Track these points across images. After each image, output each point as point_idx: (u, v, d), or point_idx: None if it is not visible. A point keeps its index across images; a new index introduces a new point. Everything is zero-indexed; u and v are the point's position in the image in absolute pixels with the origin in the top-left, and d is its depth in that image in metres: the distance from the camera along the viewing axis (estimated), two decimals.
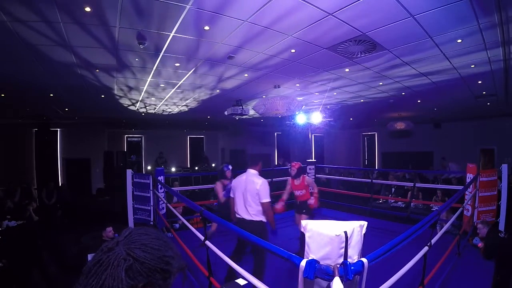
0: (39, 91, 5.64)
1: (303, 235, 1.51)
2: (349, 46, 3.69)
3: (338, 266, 1.32)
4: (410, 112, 9.48)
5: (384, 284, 1.79)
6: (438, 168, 10.84)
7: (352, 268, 1.34)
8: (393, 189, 7.55)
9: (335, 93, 6.56)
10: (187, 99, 6.99)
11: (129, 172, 5.08)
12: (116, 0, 2.52)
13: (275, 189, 5.73)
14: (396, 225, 5.37)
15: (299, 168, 4.21)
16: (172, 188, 5.89)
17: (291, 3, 2.64)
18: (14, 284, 3.50)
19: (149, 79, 5.12)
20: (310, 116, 7.08)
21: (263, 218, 3.10)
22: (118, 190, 7.85)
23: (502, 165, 4.48)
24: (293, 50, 3.88)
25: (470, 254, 3.89)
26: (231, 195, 3.33)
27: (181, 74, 4.88)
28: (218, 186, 4.50)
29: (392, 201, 6.94)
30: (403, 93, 6.44)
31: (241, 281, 1.43)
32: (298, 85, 5.76)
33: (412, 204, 5.97)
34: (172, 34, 3.27)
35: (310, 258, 1.42)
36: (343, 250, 1.38)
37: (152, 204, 4.94)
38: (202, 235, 2.73)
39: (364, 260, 1.43)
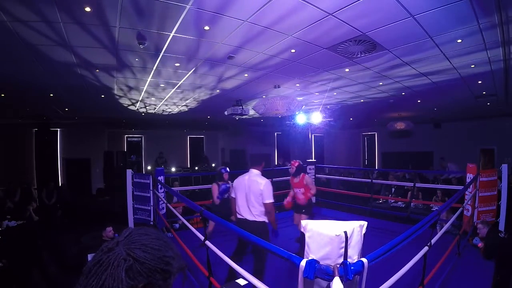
0: (39, 91, 5.64)
1: (303, 235, 1.51)
2: (349, 46, 3.69)
3: (338, 266, 1.32)
4: (410, 112, 9.48)
5: (384, 284, 1.79)
6: (438, 168, 10.83)
7: (352, 268, 1.34)
8: (393, 189, 7.55)
9: (335, 93, 6.56)
10: (187, 99, 6.99)
11: (129, 172, 5.08)
12: (116, 0, 2.52)
13: (275, 189, 5.69)
14: (396, 225, 5.37)
15: (298, 166, 4.29)
16: (172, 188, 5.89)
17: (291, 3, 2.64)
18: (14, 284, 3.50)
19: (149, 79, 5.12)
20: (310, 116, 7.08)
21: (265, 219, 3.06)
22: (118, 190, 7.85)
23: (502, 165, 4.49)
24: (293, 50, 3.88)
25: (470, 254, 3.89)
26: (232, 195, 3.29)
27: (181, 74, 4.88)
28: (214, 188, 4.57)
29: (392, 201, 6.94)
30: (403, 93, 6.44)
31: (241, 281, 1.43)
32: (298, 85, 5.76)
33: (412, 204, 5.98)
34: (172, 34, 3.26)
35: (310, 258, 1.42)
36: (343, 250, 1.38)
37: (152, 204, 4.95)
38: (202, 235, 2.74)
39: (364, 260, 1.43)
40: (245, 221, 3.06)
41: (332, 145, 15.46)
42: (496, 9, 2.69)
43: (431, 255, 2.50)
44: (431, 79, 5.24)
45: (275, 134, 15.16)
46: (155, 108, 8.08)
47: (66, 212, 7.43)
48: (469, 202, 4.34)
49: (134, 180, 5.07)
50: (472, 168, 4.59)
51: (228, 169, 4.76)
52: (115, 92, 6.00)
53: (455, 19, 2.93)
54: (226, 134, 14.17)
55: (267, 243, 1.83)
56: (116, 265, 0.61)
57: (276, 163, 13.90)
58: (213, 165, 13.25)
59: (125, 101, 7.00)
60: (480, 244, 3.88)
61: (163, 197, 5.09)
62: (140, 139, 12.84)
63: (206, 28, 3.14)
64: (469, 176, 4.58)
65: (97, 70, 4.54)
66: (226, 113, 6.50)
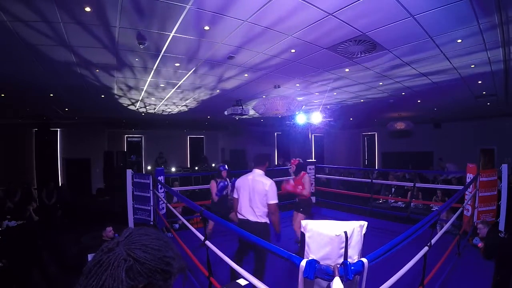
0: (39, 91, 5.64)
1: (303, 235, 1.51)
2: (349, 46, 3.69)
3: (338, 266, 1.32)
4: (410, 112, 9.48)
5: (384, 284, 1.79)
6: (438, 168, 10.83)
7: (352, 268, 1.34)
8: (393, 189, 7.55)
9: (335, 93, 6.56)
10: (187, 99, 6.99)
11: (129, 172, 5.08)
12: (116, 0, 2.52)
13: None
14: (396, 225, 5.37)
15: (297, 164, 4.34)
16: (172, 188, 5.89)
17: (291, 3, 2.64)
18: (14, 284, 3.50)
19: (149, 79, 5.12)
20: (310, 116, 7.08)
21: (267, 220, 3.02)
22: (118, 190, 7.85)
23: (502, 165, 4.49)
24: (293, 50, 3.87)
25: (470, 254, 3.89)
26: (235, 195, 3.24)
27: (181, 74, 4.88)
28: (213, 185, 4.59)
29: (392, 201, 6.94)
30: (403, 93, 6.44)
31: (242, 281, 1.43)
32: (298, 85, 5.76)
33: (412, 204, 5.98)
34: (172, 34, 3.26)
35: (310, 258, 1.42)
36: (343, 250, 1.38)
37: (152, 204, 4.95)
38: (202, 235, 2.73)
39: (364, 260, 1.43)
40: (247, 221, 3.01)
41: (332, 145, 15.46)
42: (496, 9, 2.69)
43: (431, 255, 2.50)
44: (431, 79, 5.24)
45: (275, 134, 15.16)
46: (155, 108, 8.08)
47: (66, 212, 7.43)
48: (469, 202, 4.34)
49: (134, 180, 5.07)
50: (472, 168, 4.59)
51: (226, 166, 4.79)
52: (115, 92, 6.00)
53: (455, 19, 2.93)
54: (226, 134, 14.17)
55: (267, 243, 1.83)
56: (116, 265, 0.61)
57: (276, 163, 13.90)
58: (213, 165, 13.26)
59: (125, 101, 7.00)
60: (480, 244, 3.88)
61: (163, 197, 5.09)
62: (140, 139, 12.84)
63: (206, 28, 3.14)
64: (469, 176, 4.58)
65: (97, 70, 4.54)
66: (226, 113, 6.50)
